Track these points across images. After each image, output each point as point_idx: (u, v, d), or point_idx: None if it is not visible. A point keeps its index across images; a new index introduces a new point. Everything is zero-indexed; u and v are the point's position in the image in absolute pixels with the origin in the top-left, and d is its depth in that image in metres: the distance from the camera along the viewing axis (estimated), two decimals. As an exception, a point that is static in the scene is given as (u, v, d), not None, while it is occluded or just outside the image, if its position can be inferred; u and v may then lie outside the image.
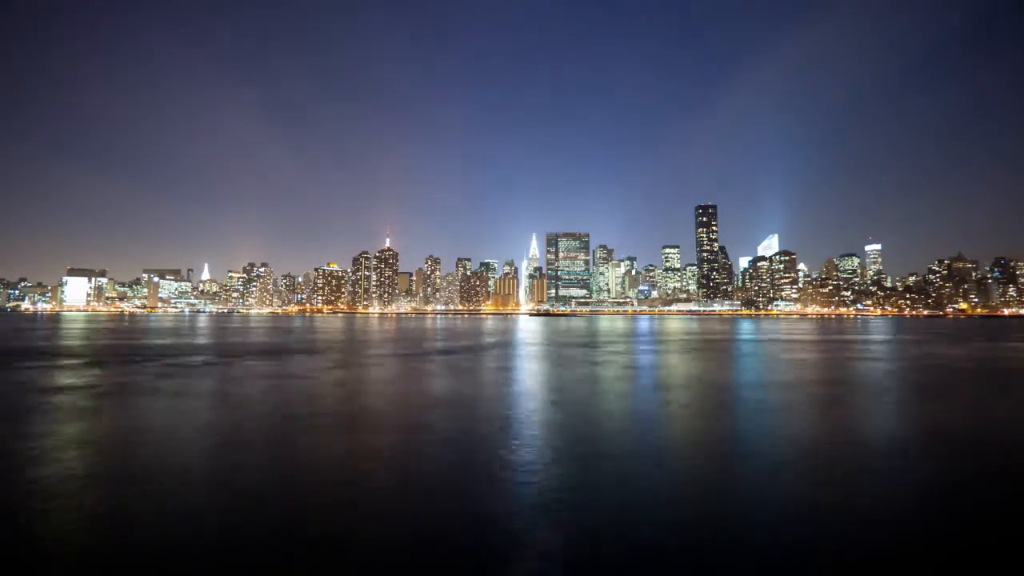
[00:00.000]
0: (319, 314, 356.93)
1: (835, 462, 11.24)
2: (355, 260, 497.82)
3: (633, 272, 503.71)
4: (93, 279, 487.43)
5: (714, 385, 22.85)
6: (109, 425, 14.49)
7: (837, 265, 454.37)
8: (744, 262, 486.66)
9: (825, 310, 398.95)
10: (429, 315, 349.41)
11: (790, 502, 8.81)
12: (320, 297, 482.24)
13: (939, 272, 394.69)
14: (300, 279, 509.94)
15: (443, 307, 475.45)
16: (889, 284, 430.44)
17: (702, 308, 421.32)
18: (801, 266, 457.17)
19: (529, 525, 7.71)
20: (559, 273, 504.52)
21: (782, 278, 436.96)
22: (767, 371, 28.46)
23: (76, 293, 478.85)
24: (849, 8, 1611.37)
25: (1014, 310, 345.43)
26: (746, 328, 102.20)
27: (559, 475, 10.15)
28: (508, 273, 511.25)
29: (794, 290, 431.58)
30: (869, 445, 12.81)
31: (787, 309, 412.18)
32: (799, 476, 10.25)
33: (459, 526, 7.81)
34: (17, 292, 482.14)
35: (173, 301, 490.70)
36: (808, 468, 10.92)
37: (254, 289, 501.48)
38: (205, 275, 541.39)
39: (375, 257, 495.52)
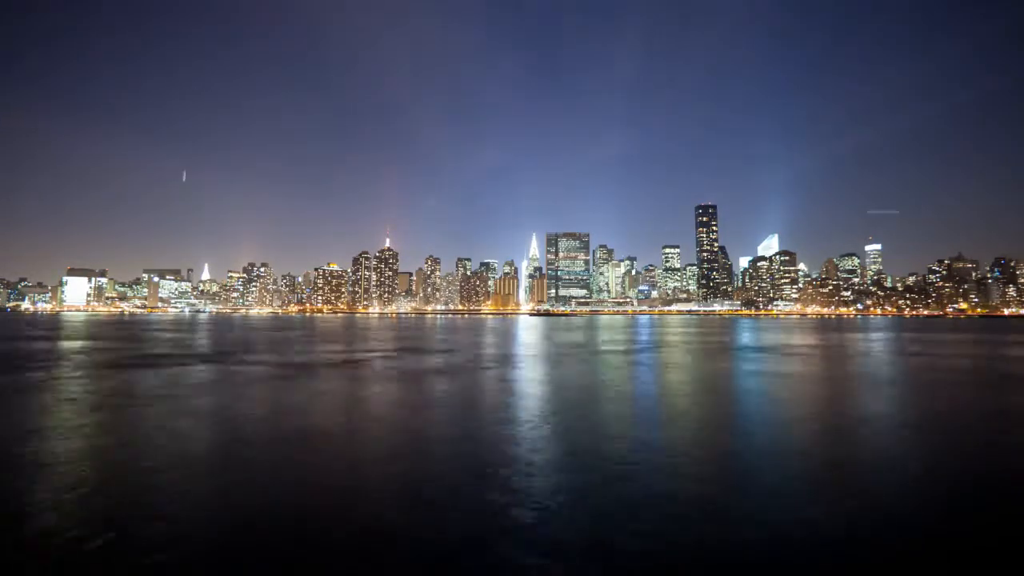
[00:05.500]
0: (319, 314, 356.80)
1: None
2: (355, 260, 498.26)
3: (633, 272, 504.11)
4: (93, 279, 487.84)
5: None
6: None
7: (837, 265, 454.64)
8: (744, 262, 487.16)
9: (825, 310, 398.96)
10: (429, 315, 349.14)
11: None
12: (320, 297, 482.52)
13: (939, 272, 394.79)
14: (300, 279, 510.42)
15: (443, 307, 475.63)
16: (889, 284, 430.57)
17: (702, 308, 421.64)
18: (801, 266, 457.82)
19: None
20: (559, 273, 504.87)
21: (782, 278, 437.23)
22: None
23: (76, 293, 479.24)
24: (850, 9, 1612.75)
25: (1014, 310, 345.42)
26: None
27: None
28: (508, 273, 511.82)
29: (794, 290, 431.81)
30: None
31: (787, 309, 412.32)
32: None
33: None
34: (17, 292, 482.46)
35: (173, 301, 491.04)
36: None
37: (254, 289, 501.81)
38: (205, 275, 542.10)
39: (375, 257, 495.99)
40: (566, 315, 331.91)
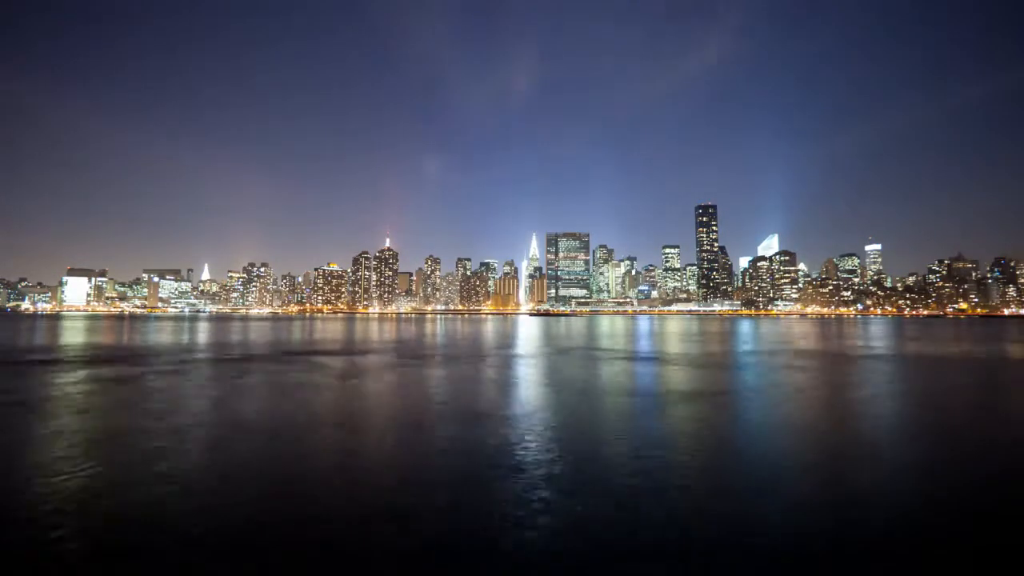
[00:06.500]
0: (319, 314, 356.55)
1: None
2: (355, 260, 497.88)
3: (633, 272, 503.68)
4: (93, 279, 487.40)
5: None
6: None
7: (837, 265, 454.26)
8: (744, 262, 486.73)
9: (825, 310, 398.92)
10: (429, 315, 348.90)
11: None
12: (320, 297, 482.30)
13: (939, 272, 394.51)
14: (300, 279, 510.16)
15: (443, 307, 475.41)
16: (889, 284, 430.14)
17: (702, 308, 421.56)
18: (801, 266, 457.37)
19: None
20: (559, 273, 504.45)
21: (782, 278, 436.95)
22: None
23: (76, 293, 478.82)
24: (851, 9, 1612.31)
25: (1014, 310, 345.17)
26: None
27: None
28: (508, 273, 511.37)
29: (794, 290, 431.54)
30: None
31: (787, 309, 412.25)
32: None
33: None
34: (17, 292, 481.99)
35: (173, 301, 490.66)
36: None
37: (254, 289, 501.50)
38: (205, 275, 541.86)
39: (375, 257, 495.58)
40: (566, 315, 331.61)
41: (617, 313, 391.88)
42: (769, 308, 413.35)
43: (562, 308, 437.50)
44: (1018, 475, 10.45)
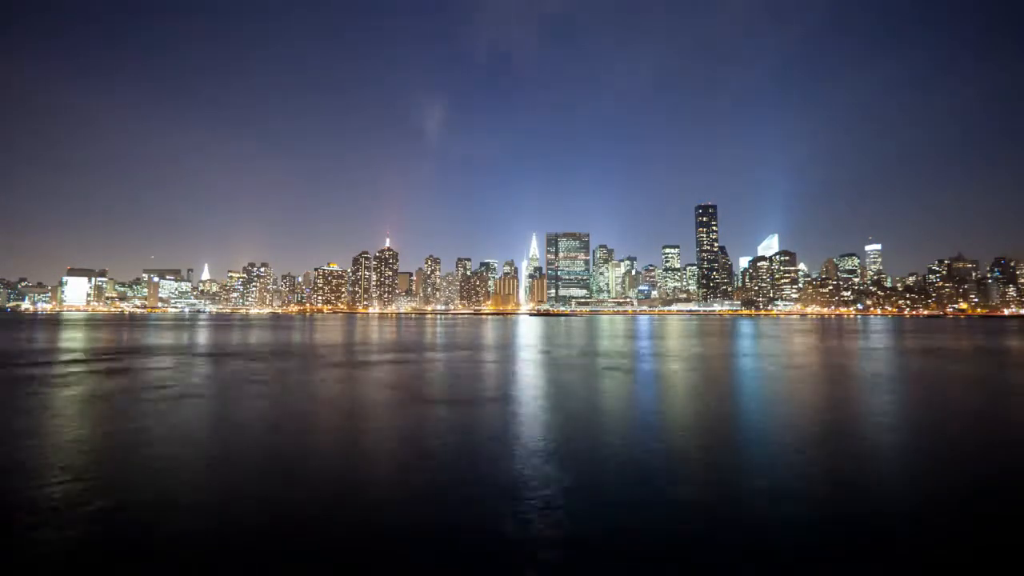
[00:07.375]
0: (319, 314, 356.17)
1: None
2: (355, 260, 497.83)
3: (633, 272, 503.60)
4: (93, 279, 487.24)
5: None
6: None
7: (837, 265, 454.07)
8: (744, 262, 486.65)
9: (825, 310, 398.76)
10: (429, 315, 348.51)
11: None
12: (320, 297, 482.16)
13: (939, 272, 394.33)
14: (300, 279, 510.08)
15: (443, 307, 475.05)
16: (889, 284, 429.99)
17: (702, 308, 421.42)
18: (801, 266, 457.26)
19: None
20: (559, 273, 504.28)
21: (782, 278, 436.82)
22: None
23: (76, 293, 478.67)
24: (852, 9, 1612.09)
25: (1014, 310, 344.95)
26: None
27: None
28: (508, 273, 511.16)
29: (794, 290, 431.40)
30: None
31: (787, 309, 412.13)
32: None
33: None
34: (17, 292, 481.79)
35: (173, 301, 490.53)
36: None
37: (254, 289, 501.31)
38: (205, 275, 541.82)
39: (375, 257, 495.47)
40: (566, 315, 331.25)
41: (617, 313, 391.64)
42: (769, 308, 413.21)
43: (562, 308, 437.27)
44: (1018, 475, 10.50)
